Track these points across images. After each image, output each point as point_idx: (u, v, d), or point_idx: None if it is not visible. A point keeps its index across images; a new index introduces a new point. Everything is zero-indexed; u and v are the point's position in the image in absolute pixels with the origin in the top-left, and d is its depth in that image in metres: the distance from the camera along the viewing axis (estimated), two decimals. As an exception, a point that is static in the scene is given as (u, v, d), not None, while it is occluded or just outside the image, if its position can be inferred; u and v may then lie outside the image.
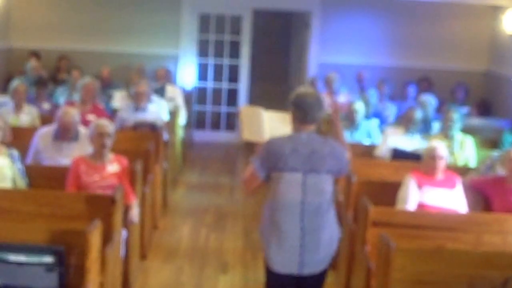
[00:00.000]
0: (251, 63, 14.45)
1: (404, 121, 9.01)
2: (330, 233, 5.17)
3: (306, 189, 5.04)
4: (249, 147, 5.78)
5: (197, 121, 14.43)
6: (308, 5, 13.81)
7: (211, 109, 14.57)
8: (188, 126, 12.60)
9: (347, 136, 9.48)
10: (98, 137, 6.77)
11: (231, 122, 14.65)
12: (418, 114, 8.92)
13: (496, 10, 13.08)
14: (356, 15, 13.66)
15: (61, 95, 10.97)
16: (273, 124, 5.65)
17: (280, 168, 5.03)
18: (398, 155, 8.44)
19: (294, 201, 5.04)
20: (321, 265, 5.19)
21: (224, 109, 14.59)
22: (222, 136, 14.54)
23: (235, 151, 13.90)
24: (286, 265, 5.10)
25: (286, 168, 5.01)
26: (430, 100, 10.11)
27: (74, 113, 7.53)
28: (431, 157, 6.92)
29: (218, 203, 10.17)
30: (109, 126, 6.84)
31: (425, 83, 13.10)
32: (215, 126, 14.64)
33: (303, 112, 5.07)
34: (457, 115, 8.66)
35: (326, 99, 11.55)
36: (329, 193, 5.13)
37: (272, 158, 5.03)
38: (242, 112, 6.01)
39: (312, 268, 5.13)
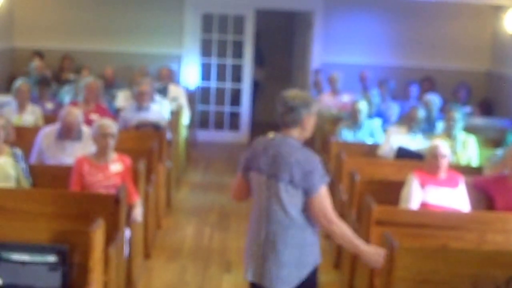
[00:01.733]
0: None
1: (407, 121, 9.00)
2: (300, 255, 4.73)
3: (270, 195, 4.70)
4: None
5: (200, 121, 14.42)
6: (310, 5, 13.79)
7: (215, 108, 14.56)
8: (191, 125, 12.59)
9: (350, 136, 9.48)
10: (101, 137, 6.75)
11: (235, 122, 14.64)
12: (421, 114, 8.90)
13: (498, 9, 13.06)
14: (358, 15, 13.65)
15: (66, 95, 10.96)
16: None
17: (251, 167, 4.81)
18: (402, 154, 8.41)
19: (260, 205, 4.76)
20: (286, 285, 4.74)
21: (227, 108, 14.58)
22: (226, 135, 14.52)
23: (239, 150, 13.87)
24: (251, 272, 4.87)
25: (254, 167, 4.79)
26: (434, 100, 10.08)
27: (77, 113, 7.53)
28: (433, 156, 6.90)
29: (221, 203, 10.14)
30: (112, 126, 6.82)
31: (428, 83, 13.09)
32: (219, 125, 14.63)
33: (278, 115, 4.79)
34: (459, 114, 8.64)
35: (329, 99, 11.57)
36: (294, 208, 4.68)
37: (248, 155, 4.88)
38: None
39: (273, 283, 4.74)
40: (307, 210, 4.69)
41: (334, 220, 4.67)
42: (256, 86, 15.32)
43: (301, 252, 4.74)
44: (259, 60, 15.44)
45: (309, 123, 4.77)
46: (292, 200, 4.67)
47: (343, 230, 4.70)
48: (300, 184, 4.63)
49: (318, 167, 4.67)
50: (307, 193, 4.65)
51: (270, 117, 16.52)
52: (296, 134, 4.75)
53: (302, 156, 4.66)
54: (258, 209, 4.79)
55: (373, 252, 4.69)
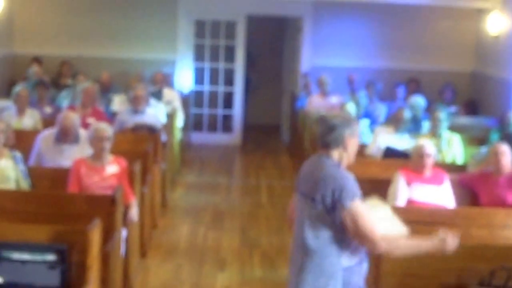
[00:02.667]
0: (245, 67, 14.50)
1: (394, 121, 9.03)
2: (319, 278, 4.37)
3: (301, 215, 4.44)
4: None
5: (194, 123, 14.44)
6: (300, 10, 13.82)
7: (208, 111, 14.58)
8: (185, 128, 12.60)
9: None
10: (98, 140, 6.77)
11: (227, 124, 14.66)
12: (407, 114, 8.94)
13: (481, 12, 13.10)
14: (346, 19, 13.68)
15: (64, 99, 10.97)
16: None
17: (295, 187, 4.61)
18: (390, 153, 8.44)
19: (297, 224, 4.52)
20: None
21: (220, 111, 14.60)
22: (219, 137, 14.53)
23: (232, 152, 13.90)
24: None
25: (296, 188, 4.58)
26: (419, 101, 10.11)
27: (74, 117, 7.55)
28: (419, 155, 6.94)
29: (215, 202, 10.16)
30: (107, 130, 6.84)
31: (414, 84, 13.13)
32: (212, 128, 14.65)
33: (317, 135, 4.48)
34: (444, 114, 8.69)
35: (318, 101, 11.59)
36: (322, 229, 4.33)
37: (298, 177, 4.62)
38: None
39: None
40: (339, 233, 4.32)
41: (376, 238, 4.24)
42: (249, 82, 15.37)
43: (324, 278, 4.35)
44: (250, 61, 15.49)
45: (351, 144, 4.45)
46: (320, 220, 4.33)
47: (395, 243, 4.34)
48: (328, 202, 4.29)
49: (347, 185, 4.28)
50: (337, 211, 4.27)
51: (262, 119, 16.59)
52: (336, 156, 4.42)
53: (331, 174, 4.32)
54: (295, 228, 4.54)
55: (441, 243, 4.46)
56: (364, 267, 4.46)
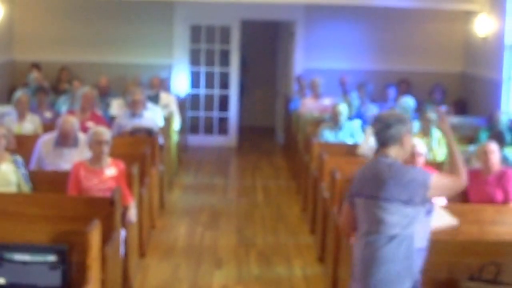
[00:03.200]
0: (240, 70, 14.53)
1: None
2: (399, 269, 4.37)
3: (368, 216, 4.43)
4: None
5: (191, 126, 14.45)
6: (292, 15, 13.86)
7: (204, 114, 14.60)
8: (182, 131, 12.61)
9: (332, 137, 9.53)
10: (96, 144, 6.78)
11: (223, 127, 14.68)
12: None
13: (469, 14, 13.14)
14: (337, 23, 13.72)
15: (63, 104, 10.99)
16: None
17: (353, 194, 4.56)
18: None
19: (361, 229, 4.49)
20: None
21: (216, 114, 14.62)
22: (215, 139, 14.55)
23: (228, 153, 13.92)
24: None
25: (356, 192, 4.53)
26: (408, 102, 10.15)
27: (73, 121, 7.57)
28: (411, 154, 6.94)
29: (212, 203, 10.17)
30: (106, 133, 6.85)
31: (404, 85, 13.17)
32: (208, 130, 14.67)
33: (375, 134, 4.52)
34: (434, 114, 8.72)
35: (311, 102, 11.62)
36: (391, 226, 4.35)
37: (352, 184, 4.60)
38: None
39: None
40: (410, 228, 4.35)
41: (462, 178, 4.45)
42: (242, 88, 15.42)
43: (399, 267, 4.37)
44: (243, 66, 15.53)
45: (407, 141, 4.50)
46: (391, 218, 4.35)
47: (462, 169, 4.48)
48: (402, 198, 4.33)
49: (415, 172, 4.39)
50: (422, 196, 4.34)
51: (257, 121, 16.61)
52: (394, 153, 4.46)
53: (395, 170, 4.38)
54: (360, 232, 4.50)
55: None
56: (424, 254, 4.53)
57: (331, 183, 7.44)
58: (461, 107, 13.01)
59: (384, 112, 4.66)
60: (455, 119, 11.39)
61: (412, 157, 6.89)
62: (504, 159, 7.71)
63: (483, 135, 9.22)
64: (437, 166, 7.49)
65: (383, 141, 4.47)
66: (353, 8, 13.28)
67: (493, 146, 7.01)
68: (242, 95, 15.71)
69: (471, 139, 9.55)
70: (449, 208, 6.53)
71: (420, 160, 6.91)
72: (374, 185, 4.41)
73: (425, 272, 5.42)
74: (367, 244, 4.41)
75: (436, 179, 4.39)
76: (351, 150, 9.02)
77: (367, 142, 8.81)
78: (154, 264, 7.65)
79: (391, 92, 12.21)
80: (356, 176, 4.59)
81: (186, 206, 10.10)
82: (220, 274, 7.47)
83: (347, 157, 8.65)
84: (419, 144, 6.98)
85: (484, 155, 7.00)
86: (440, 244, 5.52)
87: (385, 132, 4.45)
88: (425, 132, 8.71)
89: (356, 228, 4.60)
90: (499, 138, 7.79)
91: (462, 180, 4.45)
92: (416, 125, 9.54)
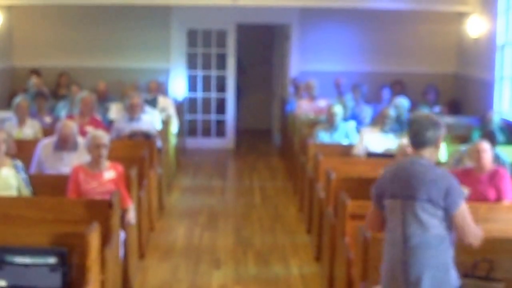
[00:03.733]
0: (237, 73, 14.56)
1: (379, 121, 9.10)
2: (442, 275, 4.44)
3: (407, 218, 4.43)
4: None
5: (189, 129, 14.49)
6: (287, 18, 13.90)
7: (202, 117, 14.63)
8: (180, 134, 12.64)
9: (327, 138, 9.55)
10: (95, 147, 6.79)
11: (221, 129, 14.71)
12: (391, 112, 9.01)
13: (461, 16, 13.17)
14: (332, 26, 13.75)
15: (62, 109, 11.00)
16: None
17: (385, 195, 4.55)
18: (371, 156, 8.51)
19: (397, 231, 4.47)
20: None
21: (213, 117, 14.66)
22: (213, 142, 14.58)
23: (225, 155, 13.95)
24: None
25: (386, 194, 4.53)
26: (403, 102, 10.17)
27: (72, 126, 7.58)
28: (403, 154, 6.98)
29: (210, 204, 10.20)
30: (104, 137, 6.87)
31: (398, 86, 13.20)
32: (206, 133, 14.70)
33: (412, 135, 4.53)
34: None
35: (307, 104, 11.65)
36: (435, 227, 4.39)
37: (381, 185, 4.60)
38: None
39: None
40: (448, 229, 4.45)
41: (479, 235, 4.52)
42: (239, 91, 15.45)
43: (443, 273, 4.45)
44: (241, 69, 15.58)
45: (440, 144, 4.57)
46: (431, 219, 4.40)
47: (478, 234, 4.54)
48: (440, 202, 4.39)
49: (454, 183, 4.43)
50: (448, 211, 4.41)
51: (254, 123, 16.64)
52: (428, 154, 4.51)
53: (437, 174, 4.43)
54: (393, 235, 4.51)
55: None
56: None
57: (326, 183, 7.47)
58: (454, 107, 13.05)
59: (419, 114, 4.68)
60: (448, 119, 11.43)
61: (404, 156, 6.93)
62: (496, 158, 7.72)
63: (476, 135, 9.24)
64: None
65: (420, 143, 4.49)
66: (347, 11, 13.31)
67: (485, 145, 7.02)
68: (240, 98, 15.74)
69: (464, 139, 9.57)
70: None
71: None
72: (412, 186, 4.41)
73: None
74: (410, 246, 4.42)
75: (466, 207, 4.47)
76: (346, 151, 9.06)
77: (362, 143, 8.85)
78: (154, 265, 7.67)
79: (385, 93, 12.25)
80: (386, 177, 4.59)
81: (184, 207, 10.12)
82: (218, 274, 7.49)
83: (342, 158, 8.69)
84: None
85: (476, 154, 7.01)
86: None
87: (422, 134, 4.47)
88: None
89: (383, 228, 4.67)
90: (491, 138, 7.80)
91: (471, 239, 4.50)
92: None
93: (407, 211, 4.43)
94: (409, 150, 6.88)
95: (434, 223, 4.40)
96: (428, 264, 4.41)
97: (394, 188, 4.49)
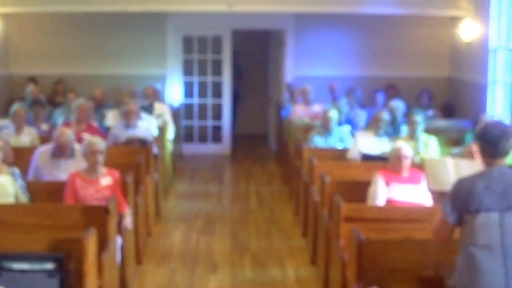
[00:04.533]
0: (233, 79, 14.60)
1: (373, 125, 9.15)
2: None
3: (505, 230, 4.26)
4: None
5: (185, 135, 14.50)
6: (282, 24, 13.93)
7: (198, 123, 14.66)
8: (177, 140, 12.67)
9: (322, 142, 9.59)
10: (91, 154, 6.83)
11: (217, 135, 14.73)
12: (385, 116, 9.06)
13: (454, 20, 13.21)
14: (326, 31, 13.79)
15: (59, 117, 11.03)
16: (462, 171, 4.80)
17: (474, 209, 4.30)
18: (366, 159, 8.55)
19: (493, 244, 4.27)
20: None
21: (210, 123, 14.68)
22: (209, 148, 14.61)
23: (222, 161, 13.98)
24: None
25: (481, 208, 4.28)
26: (398, 105, 10.22)
27: (69, 133, 7.63)
28: (397, 157, 7.02)
29: (207, 209, 10.23)
30: (100, 144, 6.91)
31: (392, 90, 13.24)
32: (202, 139, 14.72)
33: (491, 145, 4.35)
34: (420, 117, 8.83)
35: (302, 109, 11.69)
36: None
37: (464, 199, 4.33)
38: (427, 162, 5.02)
39: None
40: None
41: None
42: (237, 97, 15.48)
43: None
44: (238, 75, 15.62)
45: None
46: None
47: None
48: None
49: None
50: None
51: (250, 129, 16.66)
52: (505, 163, 4.39)
53: None
54: (489, 249, 4.30)
55: None
56: None
57: (321, 187, 7.51)
58: (448, 111, 13.09)
59: (493, 123, 4.46)
60: (442, 123, 11.48)
61: (398, 159, 6.98)
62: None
63: (469, 138, 9.29)
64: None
65: (504, 152, 4.36)
66: (341, 16, 13.35)
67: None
68: (237, 104, 15.78)
69: (457, 142, 9.61)
70: (436, 209, 6.60)
71: (406, 163, 6.98)
72: (509, 196, 4.27)
73: (411, 270, 5.52)
74: (509, 257, 4.27)
75: None
76: (340, 155, 9.10)
77: (356, 147, 8.89)
78: (151, 270, 7.70)
79: (380, 97, 12.29)
80: (474, 191, 4.33)
81: (181, 213, 10.15)
82: (215, 278, 7.52)
83: (336, 162, 8.73)
84: (405, 147, 7.06)
85: (470, 156, 7.04)
86: (426, 244, 5.60)
87: (507, 143, 4.34)
88: (412, 136, 8.78)
89: (449, 239, 4.54)
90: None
91: None
92: (404, 129, 9.63)
93: (506, 223, 4.27)
94: (404, 152, 6.95)
95: None
96: None
97: (488, 202, 4.29)
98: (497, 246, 4.28)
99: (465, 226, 4.37)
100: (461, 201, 4.35)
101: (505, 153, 4.35)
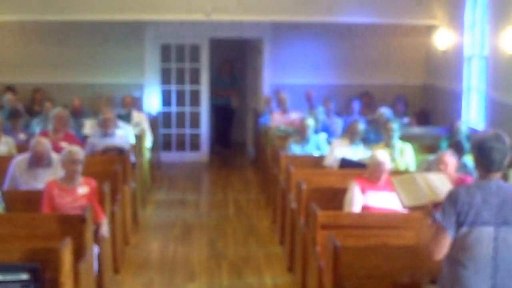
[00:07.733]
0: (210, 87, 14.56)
1: (349, 134, 9.14)
2: None
3: (499, 244, 4.16)
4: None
5: (163, 143, 14.43)
6: (259, 32, 13.94)
7: (176, 131, 14.58)
8: (155, 148, 12.60)
9: (299, 150, 9.58)
10: (70, 163, 6.78)
11: (195, 143, 14.65)
12: (360, 126, 9.05)
13: (429, 29, 13.29)
14: (302, 40, 13.81)
15: (37, 126, 10.93)
16: (433, 183, 4.67)
17: (471, 222, 4.17)
18: (345, 164, 8.53)
19: (483, 258, 4.18)
20: None
21: (188, 131, 14.60)
22: (187, 156, 14.53)
23: (199, 169, 13.91)
24: None
25: (478, 221, 4.16)
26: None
27: (46, 143, 7.56)
28: (375, 164, 7.01)
29: (184, 218, 10.16)
30: (80, 153, 6.86)
31: (367, 98, 13.29)
32: (180, 147, 14.64)
33: (489, 158, 4.21)
34: (396, 125, 8.83)
35: (279, 117, 11.68)
36: None
37: (463, 209, 4.17)
38: (395, 182, 4.88)
39: None
40: None
41: None
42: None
43: None
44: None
45: None
46: None
47: None
48: None
49: None
50: None
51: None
52: (499, 176, 4.28)
53: None
54: (479, 262, 4.18)
55: None
56: None
57: (297, 194, 7.48)
58: (423, 118, 13.14)
59: (494, 135, 4.28)
60: (417, 130, 11.50)
61: (376, 167, 6.96)
62: (464, 167, 7.78)
63: (444, 144, 9.31)
64: (400, 174, 7.53)
65: (503, 165, 4.25)
66: (318, 25, 13.38)
67: (447, 157, 7.03)
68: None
69: (432, 149, 9.63)
70: (411, 215, 6.60)
71: (384, 170, 6.97)
72: (506, 211, 4.17)
73: (388, 276, 5.50)
74: (501, 274, 4.18)
75: None
76: (317, 162, 9.08)
77: (333, 154, 8.87)
78: (128, 279, 7.63)
79: (356, 105, 12.30)
80: (473, 203, 4.19)
81: (159, 221, 10.07)
82: (193, 286, 7.47)
83: (313, 169, 8.71)
84: (382, 155, 7.05)
85: (441, 164, 7.04)
86: (402, 250, 5.60)
87: (506, 155, 4.24)
88: (388, 143, 8.78)
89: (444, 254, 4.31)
90: (458, 147, 7.86)
91: None
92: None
93: (500, 237, 4.17)
94: (380, 159, 6.94)
95: None
96: None
97: (486, 215, 4.17)
98: (489, 259, 4.18)
99: (456, 238, 4.23)
100: (460, 213, 4.18)
101: (502, 168, 4.26)
